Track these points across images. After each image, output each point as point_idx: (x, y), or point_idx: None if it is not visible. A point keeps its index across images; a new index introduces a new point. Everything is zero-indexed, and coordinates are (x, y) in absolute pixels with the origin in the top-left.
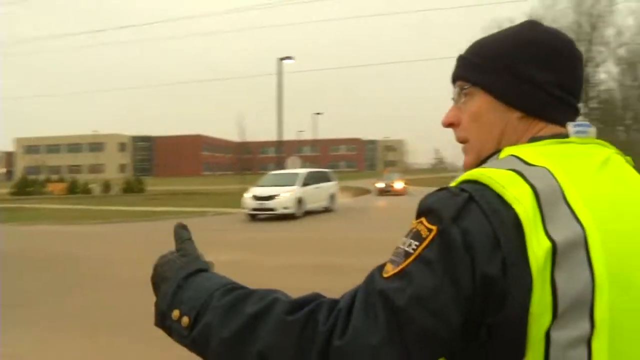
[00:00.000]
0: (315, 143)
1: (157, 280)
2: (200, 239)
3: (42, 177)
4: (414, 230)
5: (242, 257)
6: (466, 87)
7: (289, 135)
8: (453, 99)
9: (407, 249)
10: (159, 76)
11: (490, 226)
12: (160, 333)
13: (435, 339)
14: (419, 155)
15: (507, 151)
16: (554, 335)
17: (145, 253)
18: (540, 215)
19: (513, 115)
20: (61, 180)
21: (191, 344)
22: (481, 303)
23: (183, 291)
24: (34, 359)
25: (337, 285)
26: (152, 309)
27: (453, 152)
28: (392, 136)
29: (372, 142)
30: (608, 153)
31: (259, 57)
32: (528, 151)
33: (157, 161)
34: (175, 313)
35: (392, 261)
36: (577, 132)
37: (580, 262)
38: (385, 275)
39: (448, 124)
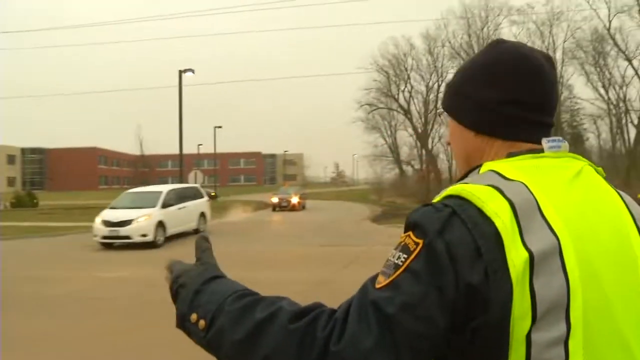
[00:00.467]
0: (215, 157)
1: (176, 286)
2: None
3: None
4: (403, 243)
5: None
6: (440, 112)
7: (189, 148)
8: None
9: (396, 261)
10: (54, 86)
11: (472, 238)
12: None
13: (423, 341)
14: (319, 169)
15: (486, 166)
16: (534, 337)
17: (43, 269)
18: (518, 227)
19: (469, 134)
20: None
21: (207, 346)
22: (465, 308)
23: (200, 296)
24: None
25: None
26: (52, 329)
27: (352, 167)
28: (291, 150)
29: (272, 156)
30: (580, 165)
31: (160, 68)
32: (505, 166)
33: (50, 174)
34: (194, 316)
35: (383, 273)
36: (551, 147)
37: (555, 269)
38: (377, 286)
39: (447, 144)
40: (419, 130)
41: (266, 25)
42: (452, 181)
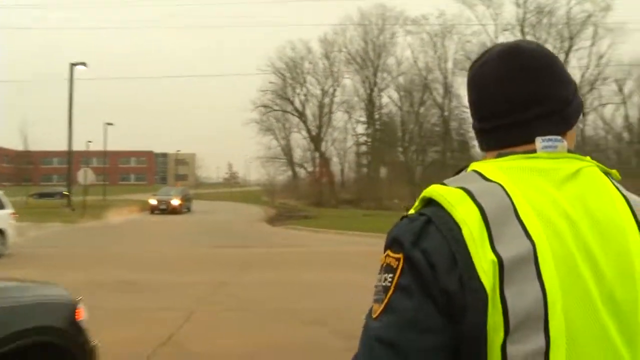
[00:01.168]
0: (105, 154)
1: None
2: None
3: None
4: (385, 264)
5: None
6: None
7: (77, 145)
8: None
9: (384, 284)
10: None
11: (447, 245)
12: None
13: (439, 354)
14: (211, 169)
15: (472, 166)
16: (510, 349)
17: None
18: (488, 233)
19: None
20: None
21: None
22: (449, 314)
23: None
24: None
25: None
26: None
27: (244, 168)
28: (184, 150)
29: (164, 155)
30: (578, 167)
31: (49, 61)
32: (488, 167)
33: None
34: None
35: (375, 300)
36: (545, 147)
37: (529, 277)
38: (374, 316)
39: None
40: (313, 133)
41: (165, 22)
42: (343, 185)
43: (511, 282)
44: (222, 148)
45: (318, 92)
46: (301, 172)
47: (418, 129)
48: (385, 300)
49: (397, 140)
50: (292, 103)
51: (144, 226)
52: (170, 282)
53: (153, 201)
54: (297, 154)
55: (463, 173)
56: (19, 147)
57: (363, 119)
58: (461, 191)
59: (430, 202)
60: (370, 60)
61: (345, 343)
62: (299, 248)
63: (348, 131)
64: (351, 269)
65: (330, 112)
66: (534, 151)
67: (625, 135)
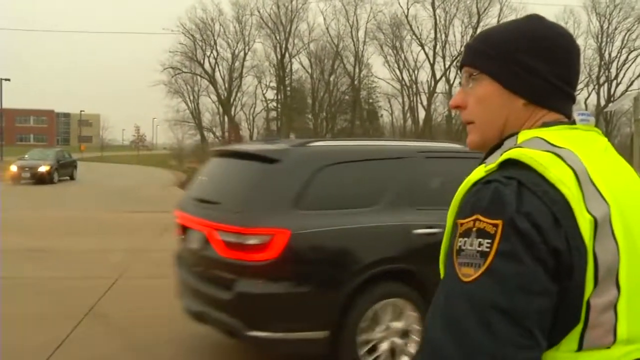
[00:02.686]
0: (0, 112)
1: None
2: None
3: None
4: (474, 229)
5: None
6: (475, 73)
7: None
8: (460, 83)
9: (479, 248)
10: None
11: (546, 207)
12: None
13: (549, 312)
14: (117, 131)
15: (528, 134)
16: (593, 301)
17: None
18: (582, 194)
19: (518, 102)
20: None
21: None
22: (557, 274)
23: None
24: None
25: None
26: None
27: (152, 131)
28: (88, 110)
29: (66, 115)
30: (605, 140)
31: None
32: (550, 134)
33: None
34: None
35: (465, 264)
36: (582, 120)
37: (608, 235)
38: (467, 279)
39: (455, 106)
40: (223, 97)
41: None
42: None
43: (599, 240)
44: (128, 110)
45: (229, 55)
46: (210, 137)
47: (328, 96)
48: (486, 265)
49: (306, 107)
50: (201, 65)
51: (61, 188)
52: (84, 249)
53: (14, 167)
54: (206, 118)
55: (522, 141)
56: None
57: (273, 84)
58: (552, 154)
59: (514, 164)
60: (282, 25)
61: None
62: None
63: (258, 96)
64: None
65: (241, 77)
66: (569, 122)
67: None
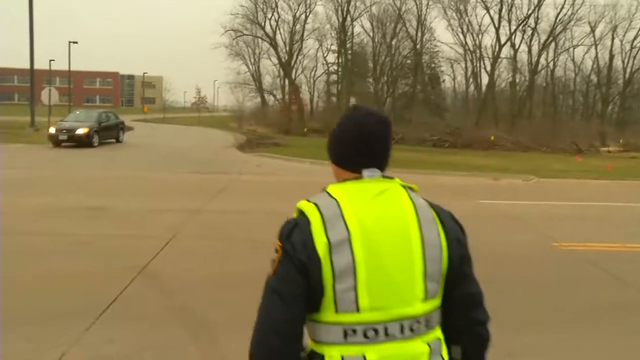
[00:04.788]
0: (69, 74)
1: None
2: None
3: None
4: (275, 248)
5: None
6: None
7: (39, 64)
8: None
9: (273, 259)
10: None
11: (303, 238)
12: None
13: (296, 294)
14: (179, 93)
15: (328, 188)
16: (337, 287)
17: None
18: (324, 227)
19: (334, 166)
20: None
21: None
22: (303, 273)
23: None
24: None
25: None
26: None
27: (212, 93)
28: (151, 72)
29: (130, 77)
30: (388, 186)
31: None
32: (334, 188)
33: None
34: None
35: (271, 267)
36: (367, 175)
37: (346, 251)
38: (268, 275)
39: None
40: (283, 60)
41: None
42: (312, 114)
43: (336, 253)
44: (190, 72)
45: (290, 18)
46: (270, 100)
47: (389, 60)
48: (273, 269)
49: (367, 71)
50: (262, 28)
51: (124, 148)
52: (139, 209)
53: (52, 129)
54: (267, 81)
55: (320, 193)
56: None
57: (334, 47)
58: (313, 205)
59: (300, 211)
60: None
61: None
62: (271, 177)
63: (319, 60)
64: None
65: (302, 40)
66: (362, 177)
67: (594, 77)
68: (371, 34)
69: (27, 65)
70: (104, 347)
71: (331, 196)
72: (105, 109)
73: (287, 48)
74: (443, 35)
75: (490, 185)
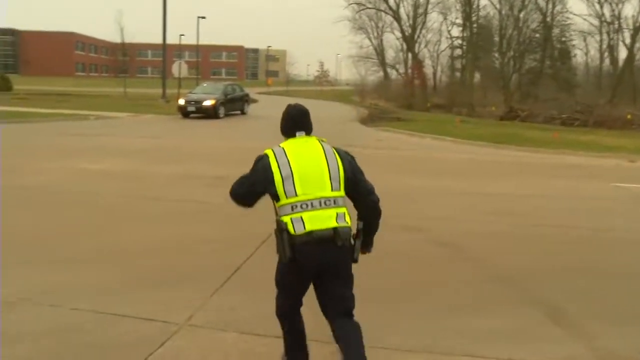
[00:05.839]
0: (197, 49)
1: None
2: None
3: None
4: (254, 161)
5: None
6: None
7: (170, 39)
8: None
9: (252, 167)
10: None
11: (267, 162)
12: None
13: (255, 188)
14: (302, 67)
15: (282, 143)
16: (285, 184)
17: (19, 158)
18: (275, 158)
19: (283, 135)
20: None
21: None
22: (264, 185)
23: None
24: None
25: None
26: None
27: (335, 67)
28: (275, 46)
29: (255, 50)
30: (309, 139)
31: None
32: (284, 144)
33: (24, 58)
34: None
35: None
36: (298, 134)
37: (287, 168)
38: (244, 173)
39: None
40: (407, 34)
41: None
42: (435, 89)
43: (282, 168)
44: (313, 46)
45: None
46: (393, 74)
47: (517, 34)
48: (250, 171)
49: (493, 45)
50: (386, 1)
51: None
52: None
53: (181, 101)
54: (390, 55)
55: (277, 145)
56: (116, 40)
57: (459, 21)
58: (271, 149)
59: (265, 152)
60: None
61: (440, 250)
62: (396, 151)
63: (442, 33)
64: (451, 176)
65: (426, 13)
66: (295, 137)
67: None
68: (498, 6)
69: (159, 41)
70: (228, 313)
71: (280, 146)
72: (231, 81)
73: (411, 21)
74: (576, 6)
75: (626, 168)
